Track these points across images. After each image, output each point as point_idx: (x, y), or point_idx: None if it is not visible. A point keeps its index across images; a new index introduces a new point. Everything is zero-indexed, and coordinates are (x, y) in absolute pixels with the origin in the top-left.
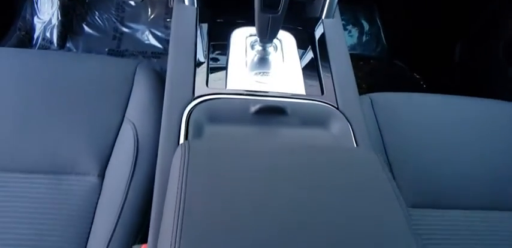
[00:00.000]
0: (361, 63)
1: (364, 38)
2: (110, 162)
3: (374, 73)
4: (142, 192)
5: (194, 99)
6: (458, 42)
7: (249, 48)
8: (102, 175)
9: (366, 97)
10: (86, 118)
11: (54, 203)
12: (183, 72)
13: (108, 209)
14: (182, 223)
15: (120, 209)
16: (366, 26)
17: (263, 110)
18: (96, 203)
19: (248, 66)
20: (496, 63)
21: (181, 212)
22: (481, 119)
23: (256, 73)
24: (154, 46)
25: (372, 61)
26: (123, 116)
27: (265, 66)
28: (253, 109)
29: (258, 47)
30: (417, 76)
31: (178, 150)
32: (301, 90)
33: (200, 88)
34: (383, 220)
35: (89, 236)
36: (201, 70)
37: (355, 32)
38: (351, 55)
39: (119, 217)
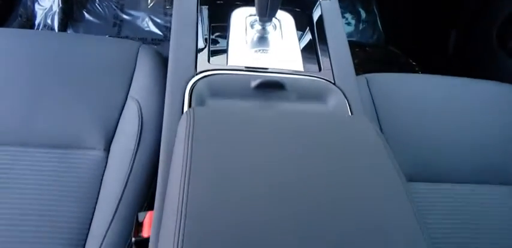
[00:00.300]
0: (358, 49)
1: (361, 26)
2: (115, 137)
3: (370, 60)
4: (147, 164)
5: (196, 74)
6: (454, 28)
7: (249, 27)
8: (107, 149)
9: (362, 77)
10: (91, 96)
11: (61, 176)
12: (185, 49)
13: (114, 181)
14: (188, 188)
15: (125, 180)
16: (363, 14)
17: (263, 85)
18: (102, 176)
19: (248, 44)
20: (489, 48)
21: (188, 176)
22: (472, 97)
23: (256, 51)
24: (154, 33)
25: (368, 48)
26: (127, 94)
27: (264, 44)
28: (253, 84)
29: (258, 26)
30: (413, 63)
31: (184, 116)
32: (300, 67)
33: (202, 64)
34: (382, 190)
35: (95, 206)
36: (203, 48)
37: (352, 20)
38: (348, 42)
39: (124, 187)
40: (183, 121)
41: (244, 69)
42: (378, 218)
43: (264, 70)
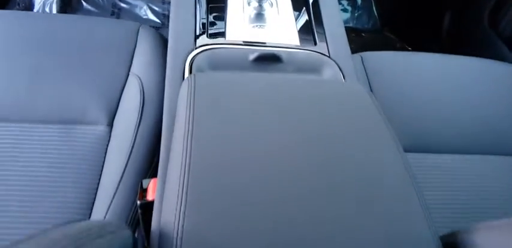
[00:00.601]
0: (354, 35)
1: (356, 12)
2: (117, 112)
3: (366, 46)
4: (150, 135)
5: (196, 48)
6: (447, 12)
7: (246, 5)
8: (110, 124)
9: (357, 55)
10: (93, 73)
11: (65, 150)
12: (184, 24)
13: (117, 153)
14: (192, 148)
15: (129, 151)
16: (359, 0)
17: (260, 58)
18: (106, 149)
19: (246, 20)
20: (481, 30)
21: (190, 139)
22: (463, 73)
23: (253, 27)
24: (152, 21)
25: (364, 34)
26: (128, 70)
27: (261, 20)
28: (251, 57)
29: (255, 3)
30: (408, 48)
31: (185, 82)
32: (296, 41)
33: (201, 39)
34: (382, 159)
35: (100, 177)
36: (202, 24)
37: (348, 6)
38: (345, 28)
39: (128, 158)
40: (185, 86)
41: (243, 43)
42: (375, 180)
43: (262, 44)
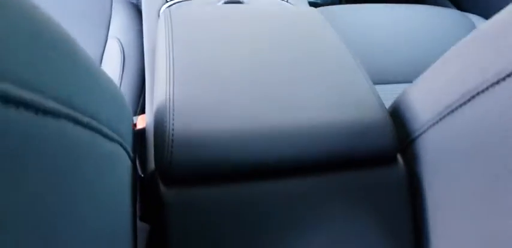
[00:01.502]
0: None
1: None
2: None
3: None
4: (134, 82)
5: (168, 1)
6: None
7: None
8: None
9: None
10: (76, 37)
11: None
12: None
13: None
14: (173, 52)
15: None
16: None
17: (227, 3)
18: None
19: None
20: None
21: (172, 51)
22: (413, 17)
23: None
24: None
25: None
26: (107, 34)
27: None
28: (219, 3)
29: None
30: None
31: (162, 15)
32: None
33: None
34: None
35: None
36: None
37: None
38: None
39: None
40: (162, 18)
41: None
42: (326, 60)
43: None
